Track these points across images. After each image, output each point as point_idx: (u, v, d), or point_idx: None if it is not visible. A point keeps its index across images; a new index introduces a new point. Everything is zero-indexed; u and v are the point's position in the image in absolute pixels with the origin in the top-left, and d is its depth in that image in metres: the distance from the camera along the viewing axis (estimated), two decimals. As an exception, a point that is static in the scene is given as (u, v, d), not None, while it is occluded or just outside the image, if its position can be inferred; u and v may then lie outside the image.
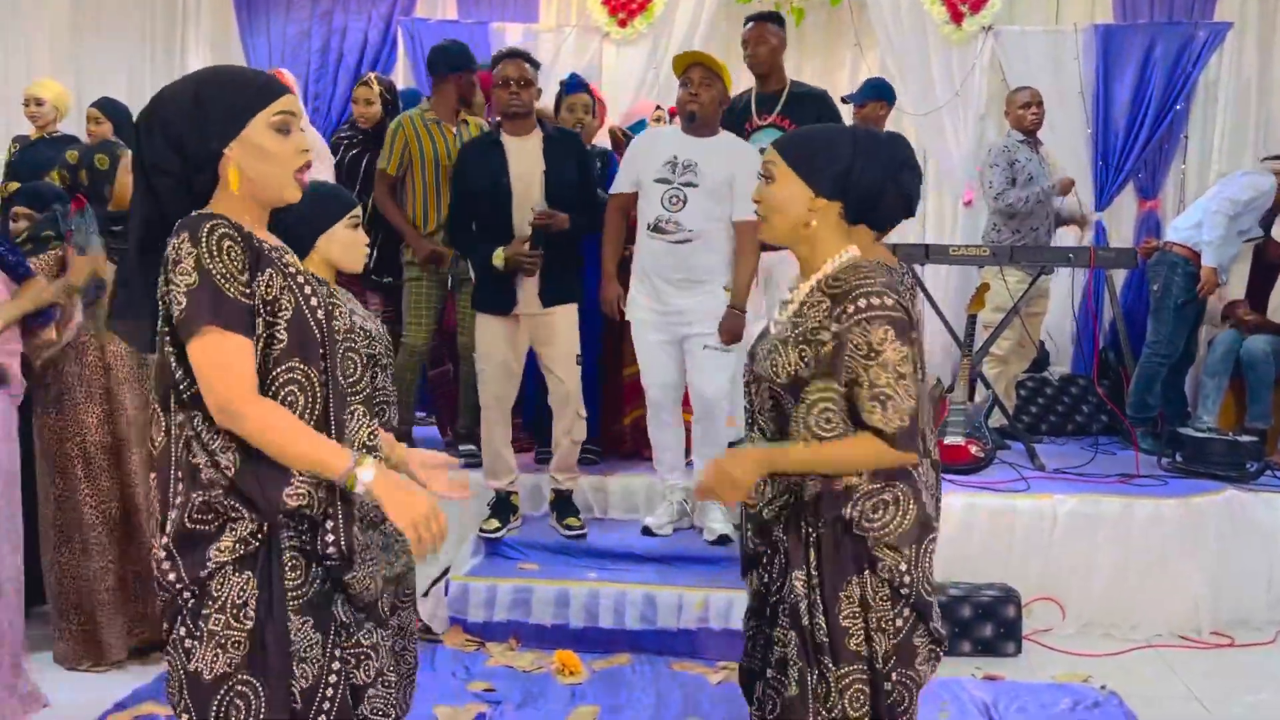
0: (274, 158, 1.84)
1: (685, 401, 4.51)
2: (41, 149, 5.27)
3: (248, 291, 1.78)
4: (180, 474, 1.82)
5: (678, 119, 4.51)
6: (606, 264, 4.47)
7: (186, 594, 1.83)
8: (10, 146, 5.72)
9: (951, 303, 6.41)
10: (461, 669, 3.93)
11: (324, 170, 5.48)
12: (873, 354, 2.06)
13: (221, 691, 1.82)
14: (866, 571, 2.15)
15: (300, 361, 1.83)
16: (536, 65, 4.43)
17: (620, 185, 4.41)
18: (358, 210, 2.78)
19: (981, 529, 4.56)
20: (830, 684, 2.16)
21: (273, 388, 1.82)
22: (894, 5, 6.60)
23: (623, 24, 6.72)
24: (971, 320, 5.13)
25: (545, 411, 4.67)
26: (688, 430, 4.58)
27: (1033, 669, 4.13)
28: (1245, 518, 4.65)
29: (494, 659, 4.02)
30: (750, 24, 5.00)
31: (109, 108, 5.63)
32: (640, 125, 5.28)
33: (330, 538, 1.85)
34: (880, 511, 2.14)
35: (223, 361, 1.75)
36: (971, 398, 5.21)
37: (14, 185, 4.78)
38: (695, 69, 4.25)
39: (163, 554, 1.82)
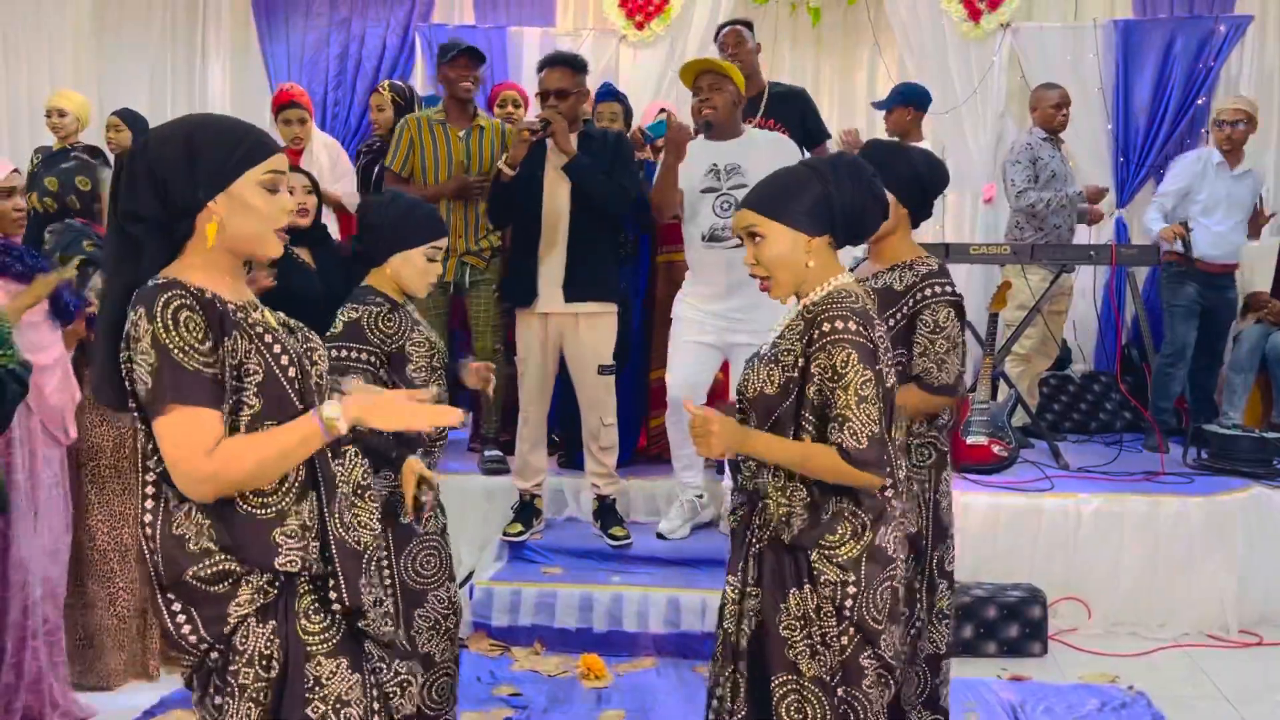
0: (260, 215, 1.82)
1: (708, 403, 4.51)
2: (63, 160, 5.31)
3: (211, 360, 1.74)
4: (169, 545, 1.77)
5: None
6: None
7: (214, 654, 1.80)
8: (33, 158, 5.77)
9: (973, 301, 6.39)
10: (487, 674, 3.94)
11: (341, 182, 5.51)
12: (836, 376, 2.12)
13: None
14: (807, 585, 2.17)
15: (277, 423, 1.80)
16: (583, 69, 4.33)
17: None
18: (442, 242, 2.80)
19: (1006, 529, 4.54)
20: (742, 688, 2.25)
21: None
22: (911, 3, 6.58)
23: (640, 26, 6.72)
24: (993, 319, 5.11)
25: (570, 414, 4.66)
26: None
27: (1060, 669, 4.11)
28: (1272, 515, 4.62)
29: (519, 664, 4.04)
30: (726, 29, 5.06)
31: (129, 117, 5.68)
32: (660, 126, 5.27)
33: (333, 594, 1.84)
34: (833, 533, 2.16)
35: (185, 437, 1.71)
36: (994, 397, 5.19)
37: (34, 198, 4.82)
38: (704, 76, 4.25)
39: (180, 617, 1.78)
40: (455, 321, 5.05)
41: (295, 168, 4.19)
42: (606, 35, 6.85)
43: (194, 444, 1.71)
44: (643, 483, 4.91)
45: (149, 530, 1.79)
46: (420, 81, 6.93)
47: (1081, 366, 6.67)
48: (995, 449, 4.96)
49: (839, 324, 2.13)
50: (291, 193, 3.92)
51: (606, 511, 4.56)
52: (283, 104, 5.49)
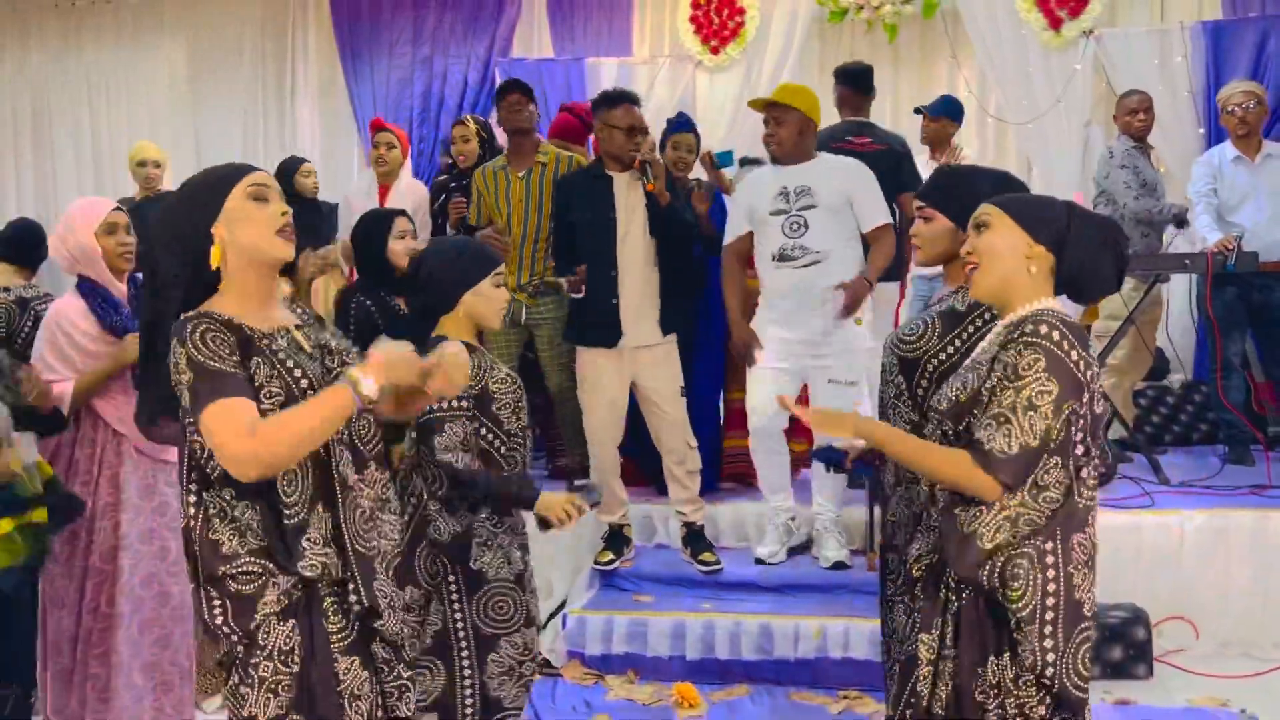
0: (252, 220, 2.02)
1: (789, 429, 4.49)
2: (149, 210, 5.47)
3: (238, 367, 1.95)
4: (207, 548, 1.99)
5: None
6: (733, 312, 4.46)
7: (240, 646, 2.01)
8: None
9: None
10: (582, 703, 3.96)
11: (421, 216, 5.60)
12: (1014, 376, 2.03)
13: None
14: (1006, 654, 2.08)
15: None
16: (639, 103, 4.45)
17: (733, 231, 4.45)
18: (502, 268, 2.87)
19: (1106, 547, 4.31)
20: None
21: None
22: (989, 15, 6.47)
23: (715, 51, 6.75)
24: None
25: (646, 443, 4.65)
26: (791, 455, 4.59)
27: (1167, 693, 3.99)
28: (1388, 526, 4.44)
29: (613, 692, 4.05)
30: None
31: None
32: (727, 156, 5.29)
33: (353, 597, 2.04)
34: (1015, 580, 2.05)
35: (224, 424, 1.89)
36: (1089, 411, 5.06)
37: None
38: (769, 108, 4.31)
39: (217, 607, 2.00)
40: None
41: (401, 212, 4.08)
42: (682, 61, 6.89)
43: (234, 428, 1.89)
44: (727, 508, 4.90)
45: (191, 534, 2.01)
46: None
47: (1179, 376, 6.49)
48: (1092, 465, 4.84)
49: (1042, 328, 2.04)
50: (404, 238, 3.86)
51: (695, 537, 4.56)
52: (376, 128, 5.83)
